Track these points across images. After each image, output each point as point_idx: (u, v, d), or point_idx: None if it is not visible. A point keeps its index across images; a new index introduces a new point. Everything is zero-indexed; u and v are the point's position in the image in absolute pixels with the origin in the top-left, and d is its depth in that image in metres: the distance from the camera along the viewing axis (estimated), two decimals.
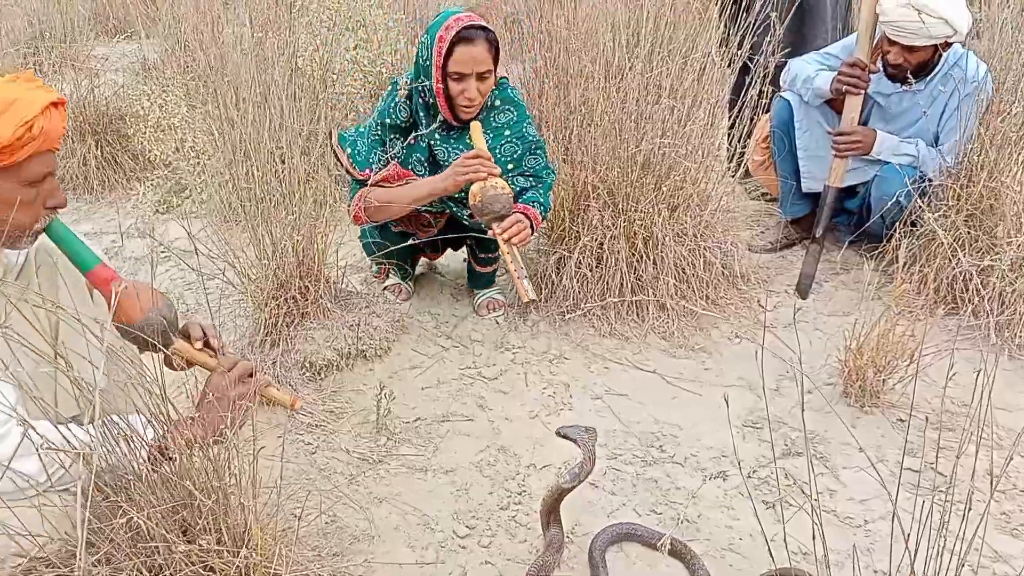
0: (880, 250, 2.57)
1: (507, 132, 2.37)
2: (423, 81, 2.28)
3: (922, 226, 2.46)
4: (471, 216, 2.29)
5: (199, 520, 1.35)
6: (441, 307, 2.62)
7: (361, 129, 2.42)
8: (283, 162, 2.33)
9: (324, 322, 2.25)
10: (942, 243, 2.35)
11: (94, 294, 1.57)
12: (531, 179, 2.40)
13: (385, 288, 2.68)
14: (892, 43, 2.56)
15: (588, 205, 2.47)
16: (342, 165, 2.38)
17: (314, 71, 3.44)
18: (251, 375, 1.55)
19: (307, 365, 2.19)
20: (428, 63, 2.24)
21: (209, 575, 1.36)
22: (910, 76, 2.57)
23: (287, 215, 2.22)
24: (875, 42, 2.63)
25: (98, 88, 3.72)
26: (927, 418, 1.97)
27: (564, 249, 2.52)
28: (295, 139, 2.37)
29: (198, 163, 3.30)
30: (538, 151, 2.41)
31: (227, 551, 1.36)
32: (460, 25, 2.19)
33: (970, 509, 1.17)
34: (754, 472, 1.95)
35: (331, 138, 2.49)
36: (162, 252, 2.93)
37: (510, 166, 2.36)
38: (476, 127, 2.28)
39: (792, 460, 1.99)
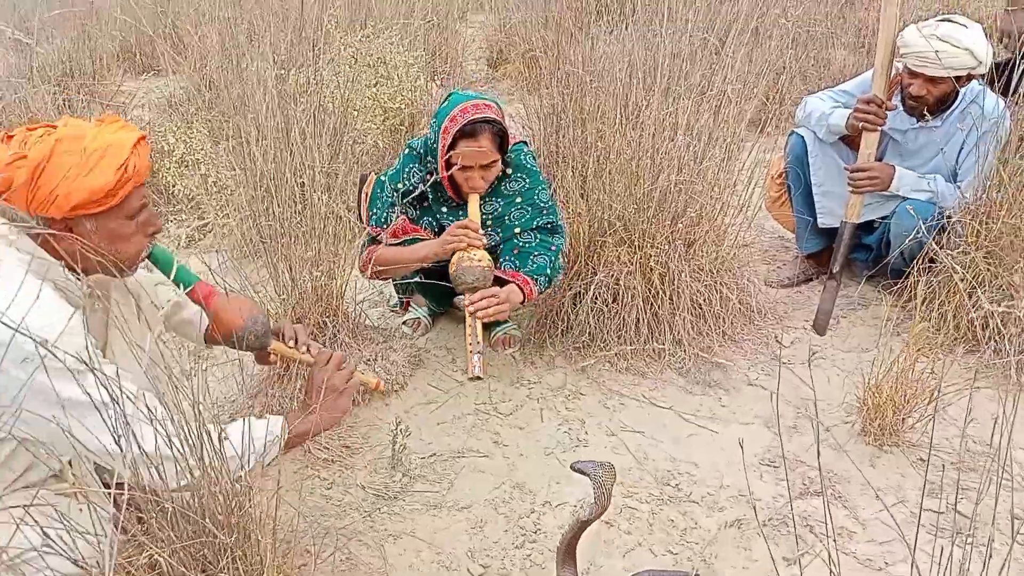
0: (899, 286, 2.55)
1: (518, 199, 2.43)
2: (431, 164, 2.36)
3: (941, 263, 2.45)
4: None
5: (218, 557, 1.36)
6: (457, 341, 2.63)
7: (384, 180, 2.46)
8: (304, 198, 2.38)
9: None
10: (962, 280, 2.33)
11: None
12: (544, 242, 2.43)
13: (404, 322, 2.71)
14: (914, 75, 2.57)
15: (605, 241, 2.49)
16: (360, 215, 2.44)
17: (335, 108, 3.50)
18: (344, 362, 1.78)
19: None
20: (435, 147, 2.30)
21: None
22: (927, 112, 2.58)
23: (306, 251, 2.26)
24: (891, 79, 2.65)
25: (106, 114, 3.79)
26: (946, 458, 1.95)
27: (581, 285, 2.53)
28: (316, 175, 2.41)
29: (221, 198, 3.35)
30: (552, 212, 2.44)
31: None
32: (465, 119, 2.23)
33: (991, 556, 1.15)
34: (769, 518, 1.92)
35: (363, 184, 2.54)
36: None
37: (517, 230, 2.42)
38: (474, 198, 2.34)
39: (810, 500, 1.97)
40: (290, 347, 1.82)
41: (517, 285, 2.33)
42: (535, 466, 2.10)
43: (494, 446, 2.17)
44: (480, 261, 2.25)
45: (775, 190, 3.08)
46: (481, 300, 2.24)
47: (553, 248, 2.44)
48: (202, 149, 3.41)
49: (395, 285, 2.76)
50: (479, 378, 2.24)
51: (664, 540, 1.85)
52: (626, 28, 3.16)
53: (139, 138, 1.45)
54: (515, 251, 2.43)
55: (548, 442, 2.19)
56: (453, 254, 2.28)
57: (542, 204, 2.42)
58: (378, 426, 2.21)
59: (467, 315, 2.26)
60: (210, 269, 2.29)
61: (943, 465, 2.02)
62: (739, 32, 2.99)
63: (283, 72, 3.15)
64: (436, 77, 4.30)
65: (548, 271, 2.40)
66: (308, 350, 1.84)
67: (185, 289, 1.68)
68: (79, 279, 1.45)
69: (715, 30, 2.85)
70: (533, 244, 2.43)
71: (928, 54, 2.46)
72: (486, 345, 2.26)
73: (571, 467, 1.55)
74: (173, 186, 3.47)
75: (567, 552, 1.60)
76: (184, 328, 1.84)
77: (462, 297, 2.31)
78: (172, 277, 1.64)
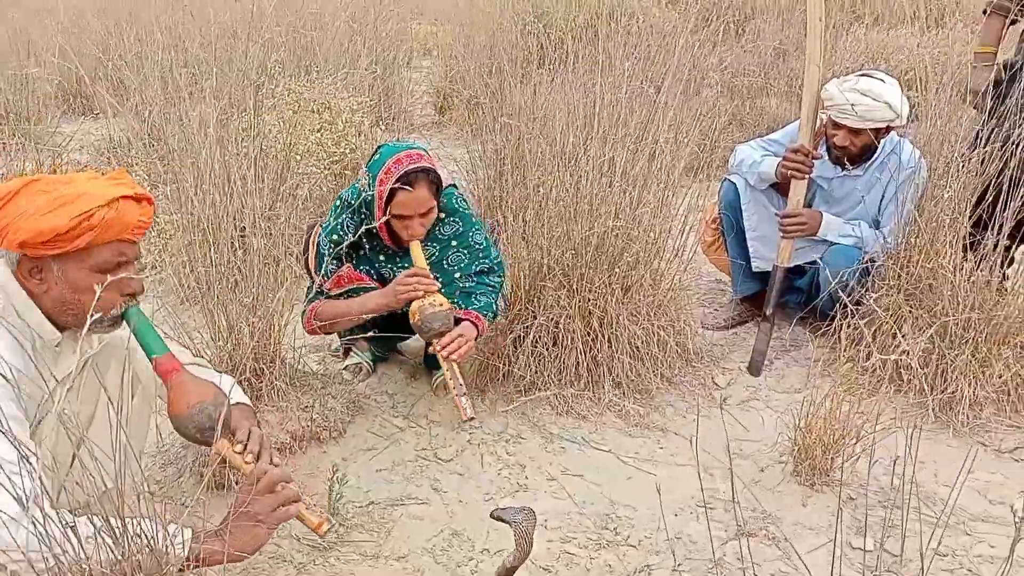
0: (827, 328, 2.64)
1: (454, 243, 2.45)
2: (364, 214, 2.35)
3: (866, 305, 2.54)
4: None
5: None
6: (398, 386, 2.63)
7: (322, 234, 2.46)
8: (243, 243, 2.36)
9: (278, 404, 2.24)
10: (884, 322, 2.43)
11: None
12: (482, 283, 2.46)
13: (345, 367, 2.69)
14: (837, 126, 2.70)
15: (544, 285, 2.52)
16: (307, 266, 2.44)
17: (277, 152, 3.50)
18: (280, 488, 1.49)
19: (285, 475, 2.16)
20: (371, 201, 2.31)
21: None
22: (847, 163, 2.70)
23: (244, 296, 2.24)
24: (816, 129, 2.77)
25: (61, 168, 3.74)
26: (874, 497, 2.00)
27: (521, 328, 2.55)
28: (256, 220, 2.40)
29: (159, 243, 3.30)
30: (488, 255, 2.47)
31: None
32: (400, 170, 2.24)
33: None
34: (707, 560, 1.95)
35: (310, 233, 2.54)
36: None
37: (457, 274, 2.44)
38: (415, 245, 2.34)
39: (747, 541, 2.00)
40: (235, 451, 1.55)
41: (471, 322, 2.34)
42: (474, 512, 2.09)
43: (433, 493, 2.16)
44: (442, 305, 2.25)
45: (710, 235, 3.17)
46: (451, 343, 2.24)
47: (492, 287, 2.47)
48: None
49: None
50: (472, 419, 2.22)
51: None
52: (567, 75, 3.25)
53: (127, 195, 1.43)
54: (457, 293, 2.44)
55: (488, 488, 2.18)
56: (410, 304, 2.28)
57: (478, 246, 2.45)
58: (315, 474, 2.18)
59: (442, 361, 2.25)
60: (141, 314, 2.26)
61: (872, 504, 2.07)
62: (676, 81, 3.10)
63: (224, 117, 3.15)
64: (381, 122, 4.32)
65: (493, 307, 2.44)
66: (256, 459, 1.55)
67: (150, 356, 1.54)
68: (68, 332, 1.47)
69: (651, 79, 2.96)
70: (473, 284, 2.45)
71: (849, 107, 2.58)
72: (464, 387, 2.24)
73: (491, 515, 1.56)
74: None
75: None
76: None
77: (410, 341, 2.30)
78: (141, 343, 1.54)
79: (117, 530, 1.25)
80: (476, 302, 2.42)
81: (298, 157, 3.54)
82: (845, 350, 2.20)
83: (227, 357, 2.22)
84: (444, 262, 2.43)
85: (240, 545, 1.44)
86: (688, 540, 2.00)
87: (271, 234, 2.50)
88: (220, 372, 1.82)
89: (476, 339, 2.36)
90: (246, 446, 1.56)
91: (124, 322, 1.52)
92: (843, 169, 2.79)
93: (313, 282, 2.39)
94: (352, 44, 5.11)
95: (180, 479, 2.14)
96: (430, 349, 2.27)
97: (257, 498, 1.47)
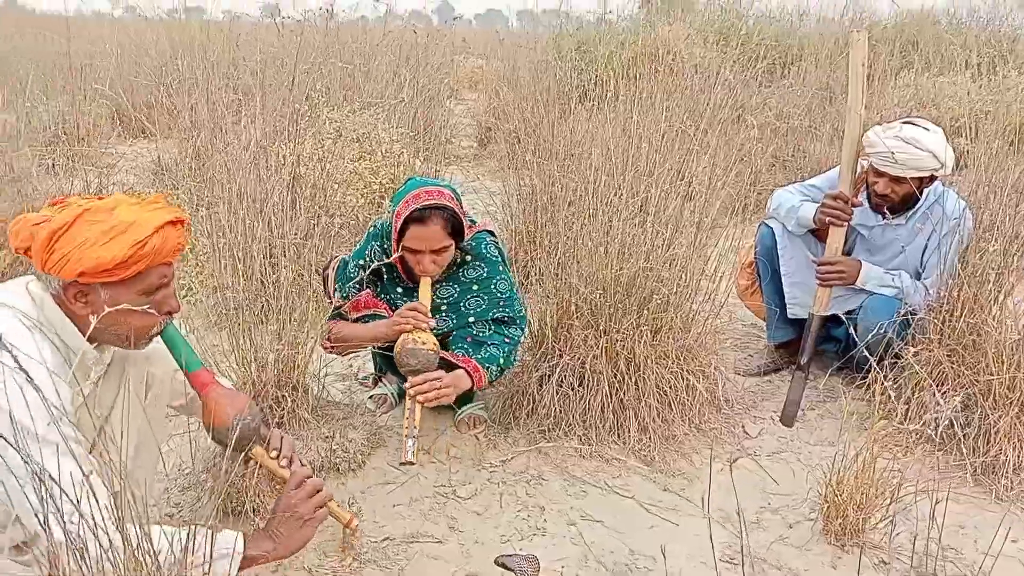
0: (863, 381, 2.55)
1: (475, 287, 2.44)
2: (386, 244, 2.38)
3: (904, 359, 2.46)
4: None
5: None
6: (424, 423, 2.59)
7: (347, 259, 2.49)
8: (274, 270, 2.38)
9: (299, 433, 2.23)
10: (923, 379, 2.34)
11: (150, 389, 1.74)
12: (499, 332, 2.43)
13: (370, 397, 2.68)
14: (879, 174, 2.64)
15: (571, 324, 2.49)
16: (326, 290, 2.46)
17: (315, 180, 3.55)
18: (319, 491, 1.67)
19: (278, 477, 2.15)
20: (390, 230, 2.33)
21: None
22: (887, 212, 2.64)
23: (271, 324, 2.24)
24: (858, 176, 2.71)
25: (107, 188, 3.83)
26: (907, 562, 1.91)
27: (547, 367, 2.52)
28: (287, 247, 2.42)
29: (196, 265, 3.35)
30: (510, 305, 2.44)
31: None
32: (416, 204, 2.25)
33: None
34: None
35: (328, 268, 2.56)
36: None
37: (472, 319, 2.42)
38: (425, 282, 2.34)
39: None
40: (271, 457, 1.73)
41: (467, 371, 2.31)
42: (490, 554, 2.02)
43: (450, 531, 2.12)
44: (424, 344, 2.22)
45: (745, 279, 3.11)
46: (423, 384, 2.20)
47: (508, 340, 2.43)
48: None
49: (373, 356, 2.74)
50: (411, 463, 2.14)
51: None
52: (607, 113, 3.25)
53: (170, 221, 1.49)
54: (468, 339, 2.42)
55: (506, 529, 2.14)
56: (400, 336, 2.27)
57: (499, 295, 2.43)
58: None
59: (407, 398, 2.21)
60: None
61: (906, 570, 1.98)
62: (715, 121, 3.08)
63: (265, 143, 3.20)
64: (419, 154, 4.36)
65: (500, 361, 2.39)
66: (289, 464, 1.74)
67: (187, 372, 1.66)
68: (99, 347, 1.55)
69: (692, 118, 2.93)
70: (487, 334, 2.43)
71: (890, 155, 2.52)
72: (417, 430, 2.16)
73: (495, 561, 1.52)
74: None
75: None
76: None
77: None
78: (178, 358, 1.66)
79: (182, 541, 1.31)
80: (483, 352, 2.38)
81: (335, 186, 3.59)
82: (880, 405, 2.12)
83: (251, 382, 2.22)
84: (462, 304, 2.42)
85: (291, 543, 1.62)
86: None
87: (299, 261, 2.51)
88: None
89: (469, 390, 2.33)
90: (280, 452, 1.73)
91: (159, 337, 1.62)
92: (884, 218, 2.72)
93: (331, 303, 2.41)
94: (396, 76, 5.18)
95: (198, 503, 2.13)
96: (404, 385, 2.24)
97: (303, 500, 1.64)
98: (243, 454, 1.69)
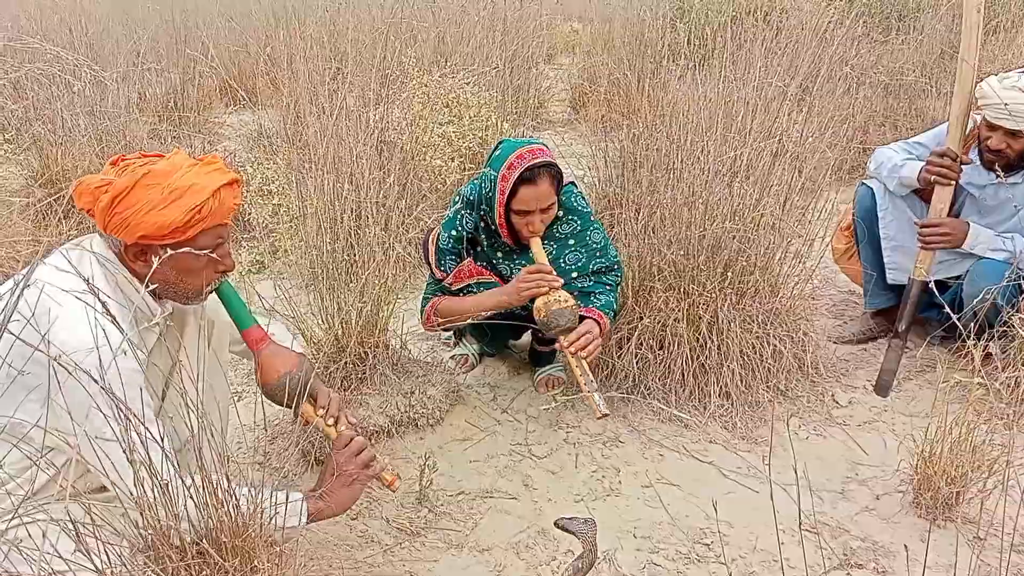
0: (967, 350, 2.39)
1: (571, 242, 2.40)
2: (484, 210, 2.35)
3: (1013, 327, 2.29)
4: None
5: None
6: (501, 378, 2.63)
7: (441, 230, 2.48)
8: (360, 232, 2.43)
9: (380, 388, 2.30)
10: None
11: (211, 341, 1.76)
12: (600, 281, 2.39)
13: (452, 356, 2.72)
14: (992, 128, 2.45)
15: (653, 286, 2.44)
16: (428, 262, 2.46)
17: (405, 145, 3.59)
18: (364, 450, 1.69)
19: (359, 429, 2.22)
20: (492, 196, 2.29)
21: None
22: (998, 169, 2.45)
23: (355, 283, 2.30)
24: (968, 132, 2.53)
25: (211, 154, 4.00)
26: (1006, 539, 1.80)
27: (627, 329, 2.49)
28: (374, 209, 2.46)
29: (291, 227, 3.48)
30: (605, 254, 2.40)
31: None
32: (523, 164, 2.21)
33: None
34: None
35: (429, 236, 2.57)
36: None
37: (574, 274, 2.38)
38: (536, 242, 2.30)
39: (851, 572, 1.85)
40: (319, 415, 1.75)
41: (594, 319, 2.27)
42: (562, 512, 2.04)
43: (524, 488, 2.14)
44: (567, 302, 2.19)
45: (843, 242, 2.97)
46: (579, 339, 2.17)
47: (610, 286, 2.39)
48: (277, 179, 3.54)
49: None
50: (607, 415, 2.12)
51: None
52: (705, 73, 3.13)
53: (227, 182, 1.51)
54: (575, 293, 2.38)
55: (580, 489, 2.14)
56: (533, 300, 2.24)
57: (595, 245, 2.39)
58: (410, 460, 2.22)
59: (570, 358, 2.18)
60: (260, 297, 2.38)
61: (1004, 546, 1.86)
62: (812, 78, 2.92)
63: (356, 110, 3.26)
64: (508, 117, 4.34)
65: (613, 305, 2.36)
66: (335, 424, 1.75)
67: (240, 329, 1.70)
68: (159, 301, 1.59)
69: (794, 77, 2.78)
70: (590, 284, 2.39)
71: (1010, 105, 2.33)
72: (595, 383, 2.16)
73: (555, 524, 1.53)
74: (249, 214, 3.62)
75: None
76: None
77: (542, 338, 2.29)
78: (232, 315, 1.71)
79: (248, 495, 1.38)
80: (596, 300, 2.34)
81: (424, 149, 3.63)
82: (977, 373, 1.98)
83: (335, 338, 2.29)
84: (561, 261, 2.39)
85: (342, 501, 1.66)
86: (787, 565, 1.87)
87: (388, 226, 2.56)
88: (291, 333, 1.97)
89: (601, 332, 2.27)
90: (327, 411, 1.74)
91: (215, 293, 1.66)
92: (997, 176, 2.53)
93: (433, 279, 2.42)
94: (488, 41, 5.16)
95: (286, 452, 2.23)
96: (556, 346, 2.22)
97: (349, 459, 1.66)
98: (293, 411, 1.72)
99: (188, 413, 1.30)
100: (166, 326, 1.63)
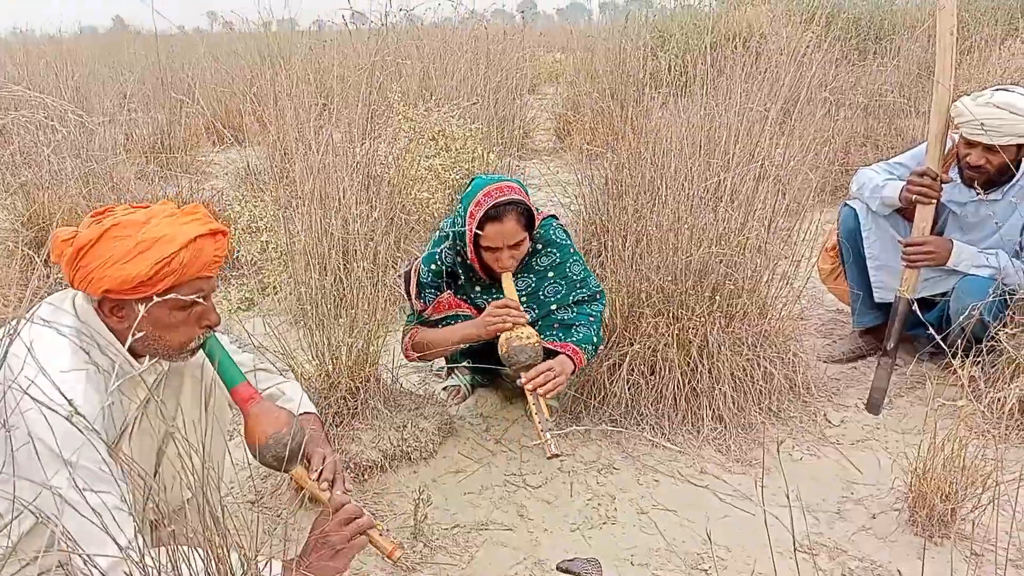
0: (954, 366, 2.41)
1: (551, 274, 2.43)
2: (459, 246, 2.38)
3: (1000, 342, 2.31)
4: None
5: None
6: (493, 409, 2.62)
7: (422, 262, 2.50)
8: (348, 266, 2.44)
9: (372, 423, 2.29)
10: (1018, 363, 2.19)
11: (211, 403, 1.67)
12: (584, 312, 2.40)
13: (444, 388, 2.72)
14: (971, 144, 2.50)
15: (642, 312, 2.46)
16: (408, 295, 2.47)
17: (391, 179, 3.61)
18: (357, 518, 1.54)
19: (351, 466, 2.21)
20: (463, 232, 2.33)
21: None
22: (977, 187, 2.49)
23: (344, 317, 2.30)
24: (947, 151, 2.57)
25: (199, 193, 4.02)
26: (1003, 554, 1.80)
27: (617, 355, 2.49)
28: (361, 244, 2.47)
29: (280, 263, 3.48)
30: (586, 284, 2.43)
31: None
32: (489, 203, 2.25)
33: None
34: None
35: (411, 269, 2.58)
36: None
37: (554, 306, 2.41)
38: (507, 276, 2.33)
39: None
40: (311, 480, 1.60)
41: (567, 355, 2.30)
42: (559, 542, 2.04)
43: (519, 519, 2.13)
44: (530, 339, 2.22)
45: (828, 262, 3.00)
46: (538, 376, 2.20)
47: (593, 317, 2.41)
48: (265, 216, 3.56)
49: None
50: (558, 455, 2.14)
51: None
52: (687, 99, 3.17)
53: (203, 234, 1.43)
54: (556, 325, 2.41)
55: (575, 518, 2.13)
56: (499, 336, 2.27)
57: (575, 278, 2.42)
58: (404, 494, 2.20)
59: (528, 394, 2.20)
60: (249, 335, 2.36)
61: (1000, 561, 1.86)
62: (791, 102, 2.96)
63: (343, 145, 3.29)
64: (494, 148, 4.38)
65: (594, 339, 2.38)
66: (331, 487, 1.59)
67: (228, 387, 1.58)
68: (143, 360, 1.49)
69: (773, 100, 2.82)
70: (572, 316, 2.41)
71: (985, 122, 2.38)
72: (550, 422, 2.17)
73: (557, 567, 1.51)
74: (237, 251, 3.63)
75: None
76: None
77: (511, 374, 2.30)
78: (219, 373, 1.58)
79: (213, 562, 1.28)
80: (575, 334, 2.37)
81: (411, 183, 3.65)
82: (966, 390, 2.00)
83: (325, 374, 2.29)
84: (541, 293, 2.42)
85: (326, 574, 1.49)
86: None
87: (376, 260, 2.57)
88: (288, 378, 1.88)
89: (573, 373, 2.31)
90: (321, 474, 1.59)
91: (201, 350, 1.56)
92: (978, 193, 2.57)
93: (413, 310, 2.44)
94: (472, 74, 5.22)
95: (277, 492, 2.21)
96: (518, 382, 2.24)
97: (336, 527, 1.51)
98: (286, 474, 1.57)
99: (185, 476, 1.22)
100: (159, 384, 1.56)
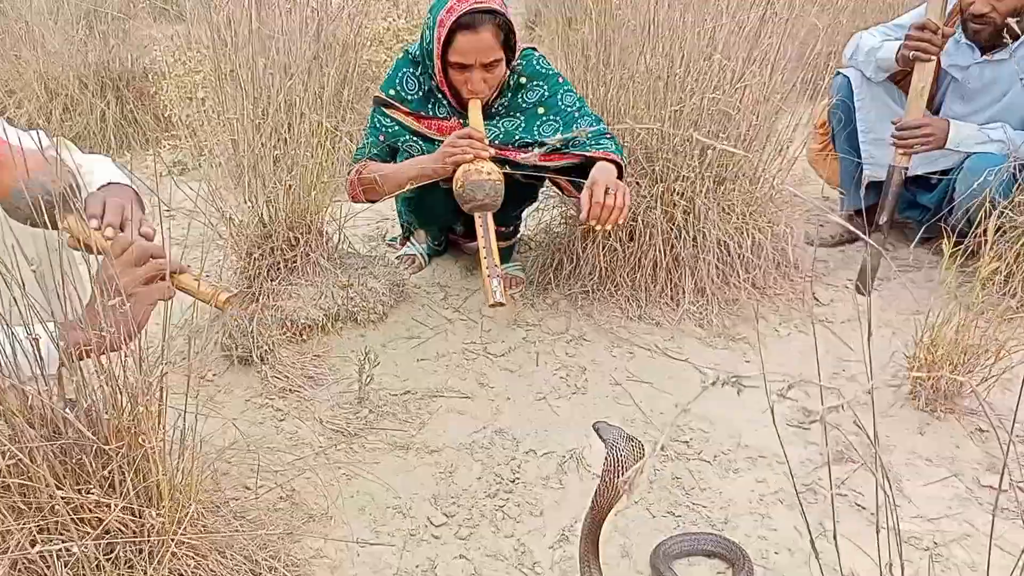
0: (961, 247, 2.20)
1: (540, 110, 2.10)
2: (429, 67, 2.04)
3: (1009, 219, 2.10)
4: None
5: (98, 467, 1.10)
6: (453, 279, 2.36)
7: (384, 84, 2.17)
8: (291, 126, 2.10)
9: (313, 279, 2.01)
10: None
11: None
12: (593, 135, 2.06)
13: (397, 258, 2.44)
14: None
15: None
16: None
17: (346, 38, 3.25)
18: (152, 259, 1.19)
19: (288, 323, 1.94)
20: (430, 47, 1.99)
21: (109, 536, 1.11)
22: (987, 41, 2.24)
23: (282, 160, 1.99)
24: (950, 10, 2.30)
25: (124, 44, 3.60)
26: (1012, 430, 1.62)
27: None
28: (312, 99, 2.13)
29: (219, 123, 3.12)
30: (585, 115, 2.11)
31: (128, 506, 1.10)
32: (462, 8, 1.90)
33: None
34: (799, 479, 1.62)
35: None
36: (166, 211, 2.74)
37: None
38: (475, 103, 2.00)
39: (845, 467, 1.66)
40: (94, 227, 1.20)
41: (606, 160, 1.96)
42: (522, 411, 1.82)
43: (478, 387, 1.90)
44: (490, 175, 1.90)
45: (818, 141, 2.75)
46: (595, 207, 1.85)
47: (605, 134, 2.07)
48: (201, 71, 3.17)
49: (399, 213, 2.49)
50: (502, 304, 1.86)
51: (667, 499, 1.56)
52: None
53: None
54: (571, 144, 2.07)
55: (541, 387, 1.90)
56: (456, 169, 1.94)
57: (570, 108, 2.09)
58: (348, 359, 1.95)
59: (479, 235, 1.90)
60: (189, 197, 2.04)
61: (1009, 438, 1.69)
62: None
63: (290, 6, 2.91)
64: None
65: (621, 150, 2.05)
66: (111, 232, 1.21)
67: None
68: None
69: None
70: (582, 142, 2.06)
71: None
72: (499, 268, 1.89)
73: (592, 427, 1.27)
74: (170, 111, 3.25)
75: (587, 548, 1.30)
76: None
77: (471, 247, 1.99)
78: None
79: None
80: (600, 143, 2.03)
81: (366, 43, 3.29)
82: (987, 251, 1.80)
83: (259, 222, 1.99)
84: (536, 131, 2.09)
85: (118, 327, 1.10)
86: (775, 460, 1.67)
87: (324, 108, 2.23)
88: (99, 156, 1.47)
89: (620, 177, 1.96)
90: (102, 218, 1.21)
91: None
92: (982, 53, 2.32)
93: (365, 141, 2.13)
94: None
95: (202, 351, 1.94)
96: (582, 216, 1.89)
97: (128, 269, 1.17)
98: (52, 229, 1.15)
99: None
100: None
